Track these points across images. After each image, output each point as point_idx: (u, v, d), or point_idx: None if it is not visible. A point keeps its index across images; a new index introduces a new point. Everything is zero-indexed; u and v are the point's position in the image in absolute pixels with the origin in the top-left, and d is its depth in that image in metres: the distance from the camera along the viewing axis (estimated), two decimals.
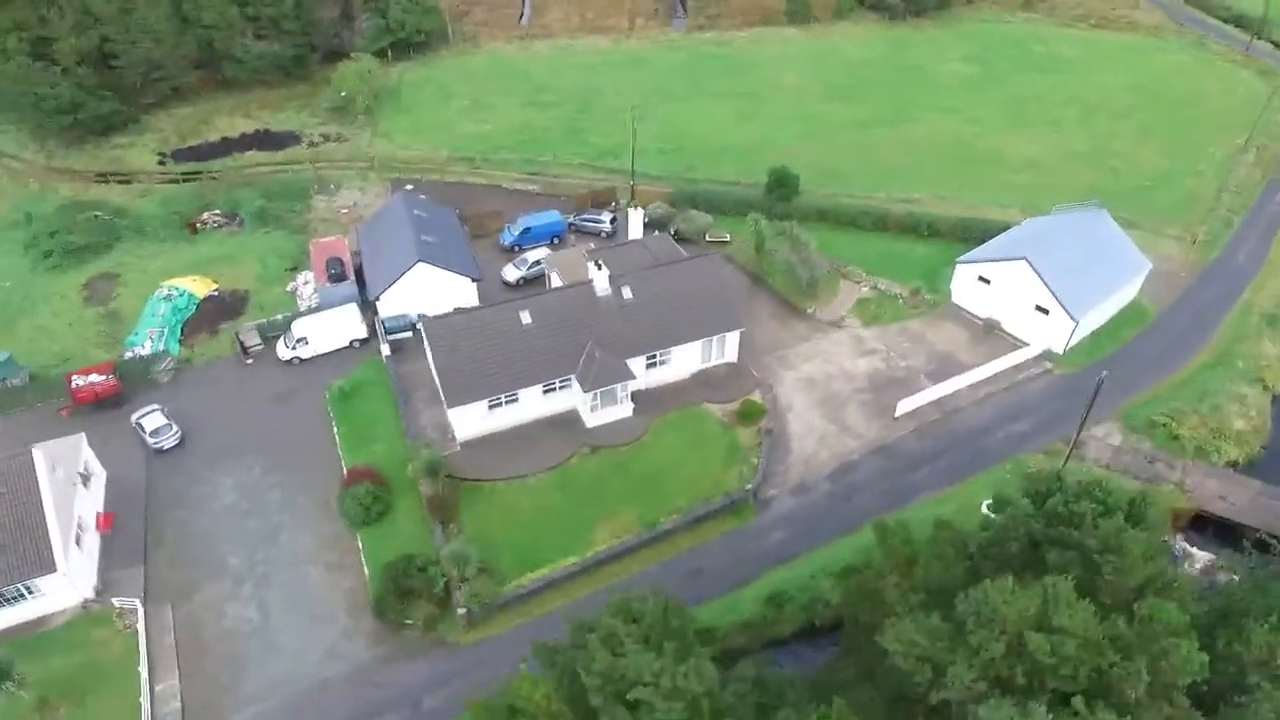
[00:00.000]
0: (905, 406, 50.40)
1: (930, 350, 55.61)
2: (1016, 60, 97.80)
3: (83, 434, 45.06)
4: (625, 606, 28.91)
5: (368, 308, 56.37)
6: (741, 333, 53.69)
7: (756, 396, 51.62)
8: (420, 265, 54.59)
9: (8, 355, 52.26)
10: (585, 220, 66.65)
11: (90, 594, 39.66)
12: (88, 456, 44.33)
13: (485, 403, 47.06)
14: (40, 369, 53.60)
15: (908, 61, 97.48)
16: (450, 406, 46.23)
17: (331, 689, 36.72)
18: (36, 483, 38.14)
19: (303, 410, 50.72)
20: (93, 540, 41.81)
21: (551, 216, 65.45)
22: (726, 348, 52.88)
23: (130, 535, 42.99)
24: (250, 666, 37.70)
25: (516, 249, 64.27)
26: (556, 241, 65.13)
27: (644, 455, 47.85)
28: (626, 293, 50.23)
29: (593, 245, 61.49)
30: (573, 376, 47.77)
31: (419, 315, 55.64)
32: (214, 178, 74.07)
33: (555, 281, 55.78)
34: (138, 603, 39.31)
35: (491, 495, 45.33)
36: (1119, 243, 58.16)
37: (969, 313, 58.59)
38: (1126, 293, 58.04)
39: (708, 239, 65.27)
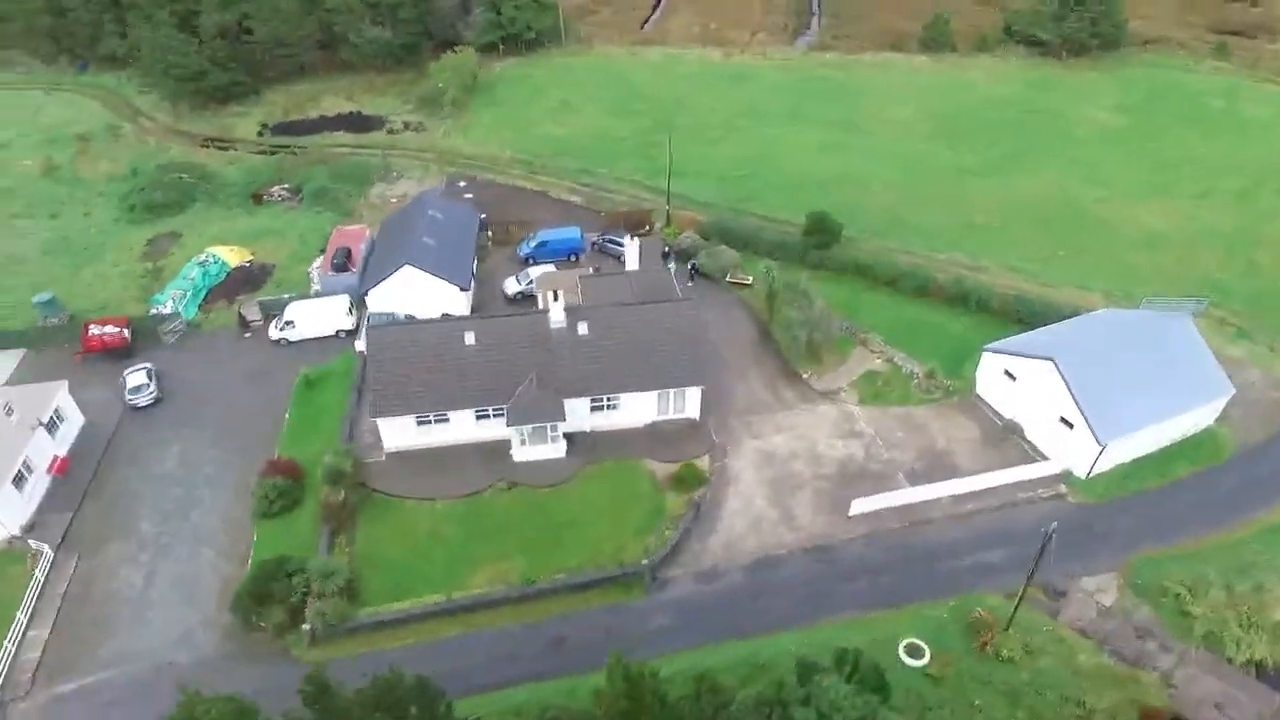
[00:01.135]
0: (861, 506, 44.20)
1: (926, 445, 48.50)
2: (1180, 114, 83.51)
3: (64, 382, 49.31)
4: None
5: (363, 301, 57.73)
6: (710, 388, 49.85)
7: (704, 461, 47.38)
8: (407, 268, 54.87)
9: (51, 296, 58.29)
10: (608, 241, 64.28)
11: (16, 531, 43.26)
12: (62, 404, 48.35)
13: (414, 418, 46.51)
14: (80, 312, 59.26)
15: (1045, 104, 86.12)
16: (373, 416, 46.07)
17: (165, 676, 37.53)
18: None
19: (271, 391, 52.53)
20: (40, 482, 45.56)
21: (571, 233, 63.68)
22: (687, 402, 48.92)
23: (77, 483, 46.49)
24: (116, 632, 39.46)
25: (530, 261, 63.16)
26: (573, 259, 63.33)
27: (561, 502, 45.27)
28: (582, 328, 47.61)
29: (593, 269, 59.18)
30: (505, 407, 46.09)
31: (405, 315, 56.39)
32: (293, 153, 78.99)
33: (540, 303, 54.18)
34: (48, 549, 42.38)
35: (395, 512, 44.66)
36: (1196, 356, 47.67)
37: (990, 409, 50.58)
38: (1195, 418, 47.56)
39: (729, 279, 60.86)
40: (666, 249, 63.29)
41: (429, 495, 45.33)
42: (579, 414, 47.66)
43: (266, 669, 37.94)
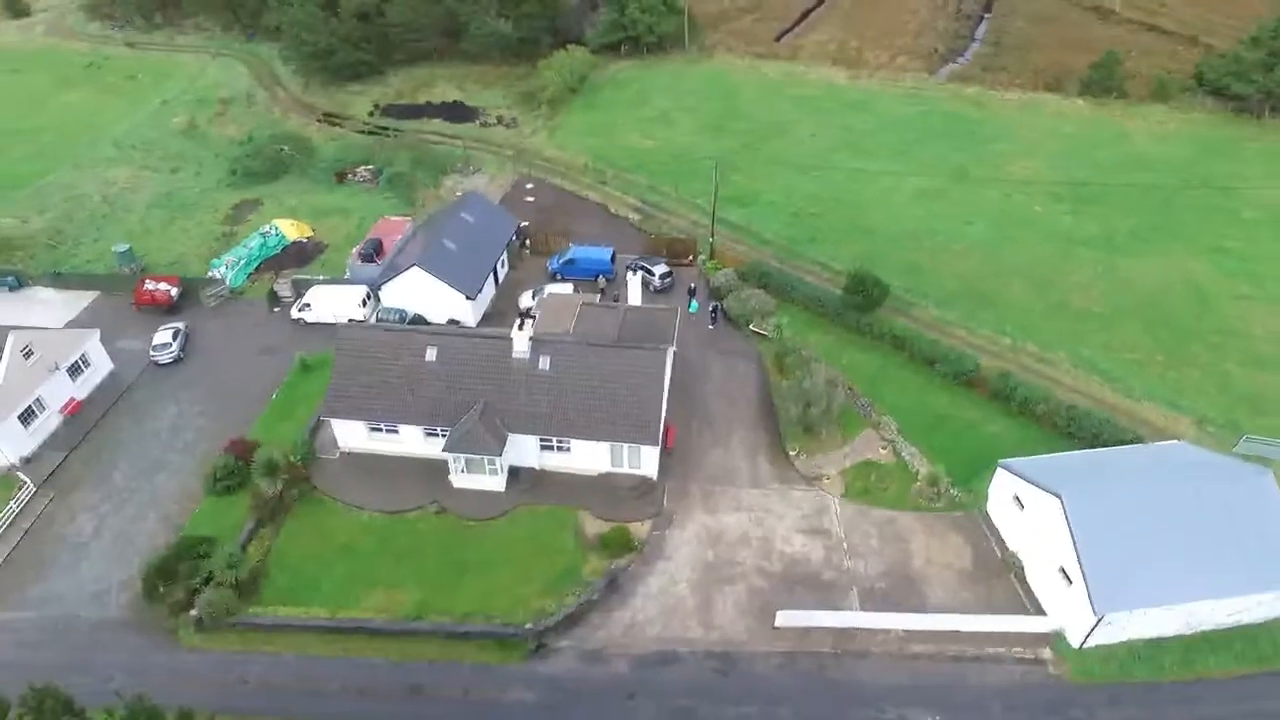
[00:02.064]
0: (790, 619, 38.80)
1: (900, 562, 41.86)
2: None
3: (96, 331, 53.83)
4: None
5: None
6: (684, 444, 46.14)
7: (644, 527, 43.69)
8: (415, 270, 54.98)
9: (128, 247, 64.03)
10: (640, 266, 61.09)
11: (16, 461, 47.78)
12: (90, 351, 52.82)
13: (365, 424, 46.45)
14: (153, 265, 64.84)
15: (1213, 172, 72.40)
16: (324, 416, 46.44)
17: (72, 628, 39.90)
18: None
19: (273, 369, 54.46)
20: (51, 420, 50.02)
21: (601, 253, 61.16)
22: (642, 459, 45.31)
23: (82, 427, 50.65)
24: (48, 575, 42.35)
25: (558, 277, 61.48)
26: (600, 279, 60.85)
27: (481, 538, 43.38)
28: (544, 363, 45.30)
29: (600, 296, 56.41)
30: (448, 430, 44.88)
31: (414, 315, 56.70)
32: (387, 135, 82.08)
33: (529, 325, 52.26)
34: (30, 483, 46.41)
35: (325, 514, 44.72)
36: (1269, 525, 37.54)
37: (994, 535, 42.87)
38: (1250, 604, 37.57)
39: (752, 327, 55.93)
40: (693, 285, 59.29)
41: (360, 504, 45.15)
42: (527, 450, 45.59)
43: (150, 645, 39.20)
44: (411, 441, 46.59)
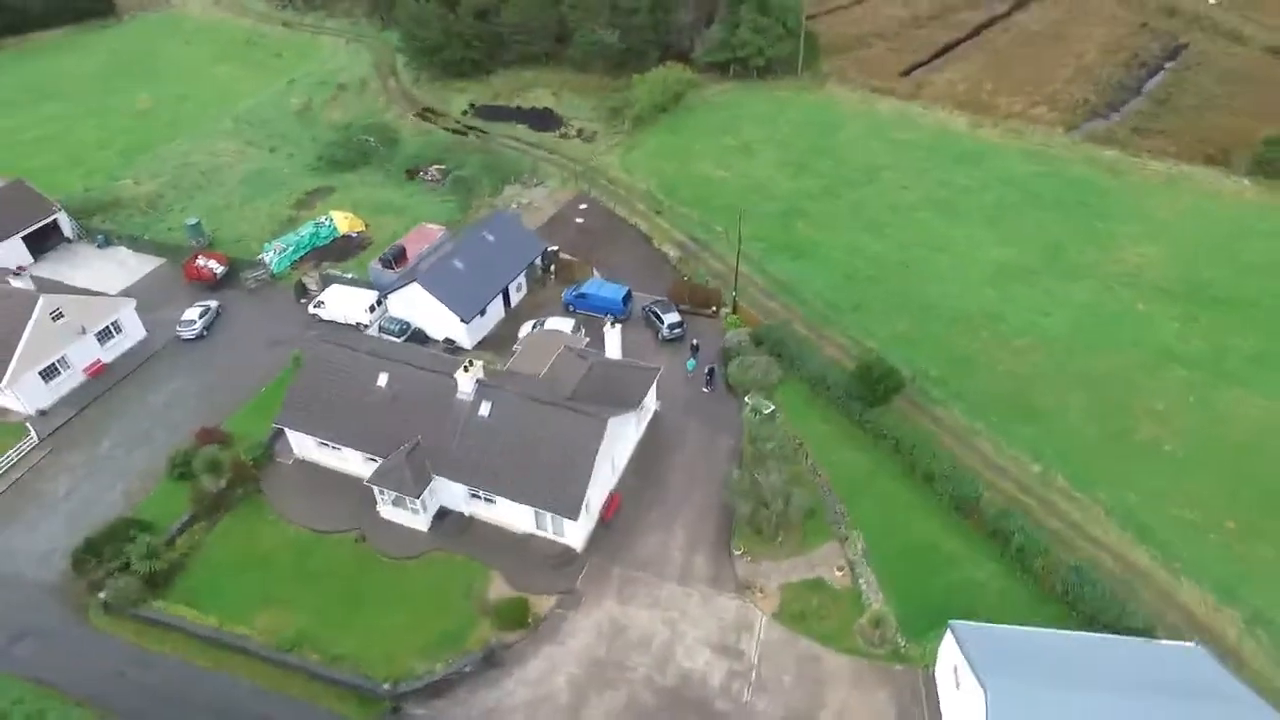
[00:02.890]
0: None
1: (805, 712, 36.37)
2: None
3: (132, 300, 57.78)
4: None
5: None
6: (626, 518, 43.06)
7: (547, 603, 40.86)
8: (415, 285, 54.71)
9: (198, 221, 68.53)
10: (651, 311, 57.62)
11: (32, 411, 52.23)
12: (124, 319, 56.81)
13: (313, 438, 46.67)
14: (219, 241, 69.03)
15: None
16: (275, 423, 47.00)
17: (11, 584, 42.68)
18: (27, 319, 50.85)
19: (274, 360, 56.21)
20: (74, 378, 54.20)
21: (615, 291, 58.17)
22: (565, 529, 42.36)
23: (99, 389, 54.63)
24: (12, 528, 45.61)
25: (569, 309, 59.25)
26: (610, 318, 57.86)
27: (389, 577, 42.25)
28: (484, 408, 43.42)
29: (586, 341, 53.49)
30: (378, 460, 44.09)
31: (416, 328, 56.63)
32: (470, 136, 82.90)
33: (509, 361, 50.55)
34: (34, 435, 50.51)
35: (258, 519, 45.34)
36: None
37: (933, 704, 36.31)
38: None
39: (747, 399, 51.07)
40: (695, 341, 55.06)
41: (291, 516, 45.41)
42: (456, 495, 44.00)
43: (65, 617, 41.22)
44: (354, 462, 46.31)
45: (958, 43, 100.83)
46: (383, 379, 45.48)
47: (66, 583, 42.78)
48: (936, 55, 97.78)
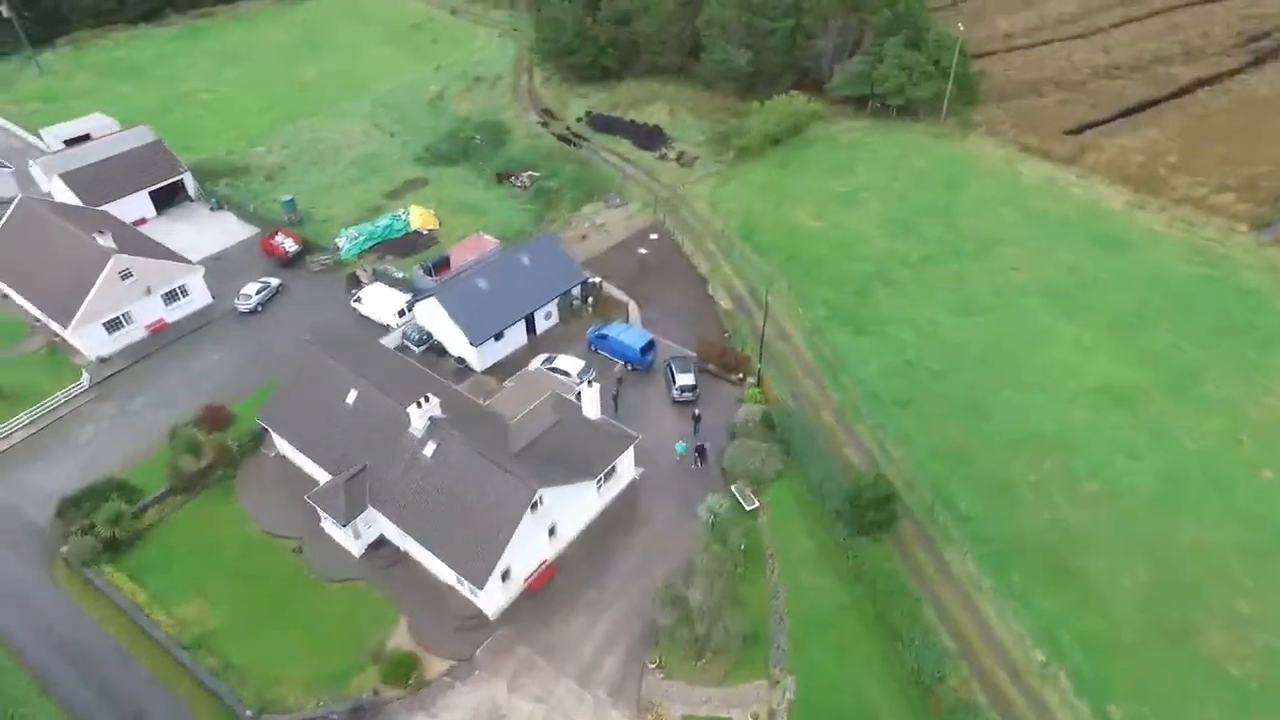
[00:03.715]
0: None
1: None
2: None
3: (201, 268, 61.79)
4: None
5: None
6: (552, 601, 40.36)
7: (437, 669, 38.72)
8: (434, 300, 54.11)
9: (292, 198, 72.27)
10: (668, 368, 53.33)
11: (94, 358, 57.30)
12: (190, 283, 60.92)
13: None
14: (309, 219, 72.27)
15: None
16: (258, 418, 48.01)
17: (7, 520, 46.59)
18: (98, 275, 55.64)
19: (290, 343, 57.42)
20: (136, 332, 58.88)
21: (637, 338, 54.46)
22: (479, 594, 39.87)
23: (154, 345, 59.00)
24: (32, 465, 49.81)
25: (591, 348, 56.33)
26: (627, 368, 54.43)
27: (310, 597, 41.99)
28: (429, 449, 41.85)
29: (579, 391, 50.07)
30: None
31: (437, 340, 56.31)
32: (571, 143, 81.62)
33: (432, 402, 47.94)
34: (87, 380, 55.31)
35: (222, 506, 46.67)
36: None
37: None
38: None
39: (733, 488, 45.87)
40: (698, 412, 50.19)
41: (250, 511, 46.43)
42: (389, 526, 42.93)
43: (34, 564, 44.30)
44: (318, 470, 46.57)
45: (1154, 102, 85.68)
46: (352, 396, 45.25)
47: (49, 529, 46.39)
48: (1122, 114, 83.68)
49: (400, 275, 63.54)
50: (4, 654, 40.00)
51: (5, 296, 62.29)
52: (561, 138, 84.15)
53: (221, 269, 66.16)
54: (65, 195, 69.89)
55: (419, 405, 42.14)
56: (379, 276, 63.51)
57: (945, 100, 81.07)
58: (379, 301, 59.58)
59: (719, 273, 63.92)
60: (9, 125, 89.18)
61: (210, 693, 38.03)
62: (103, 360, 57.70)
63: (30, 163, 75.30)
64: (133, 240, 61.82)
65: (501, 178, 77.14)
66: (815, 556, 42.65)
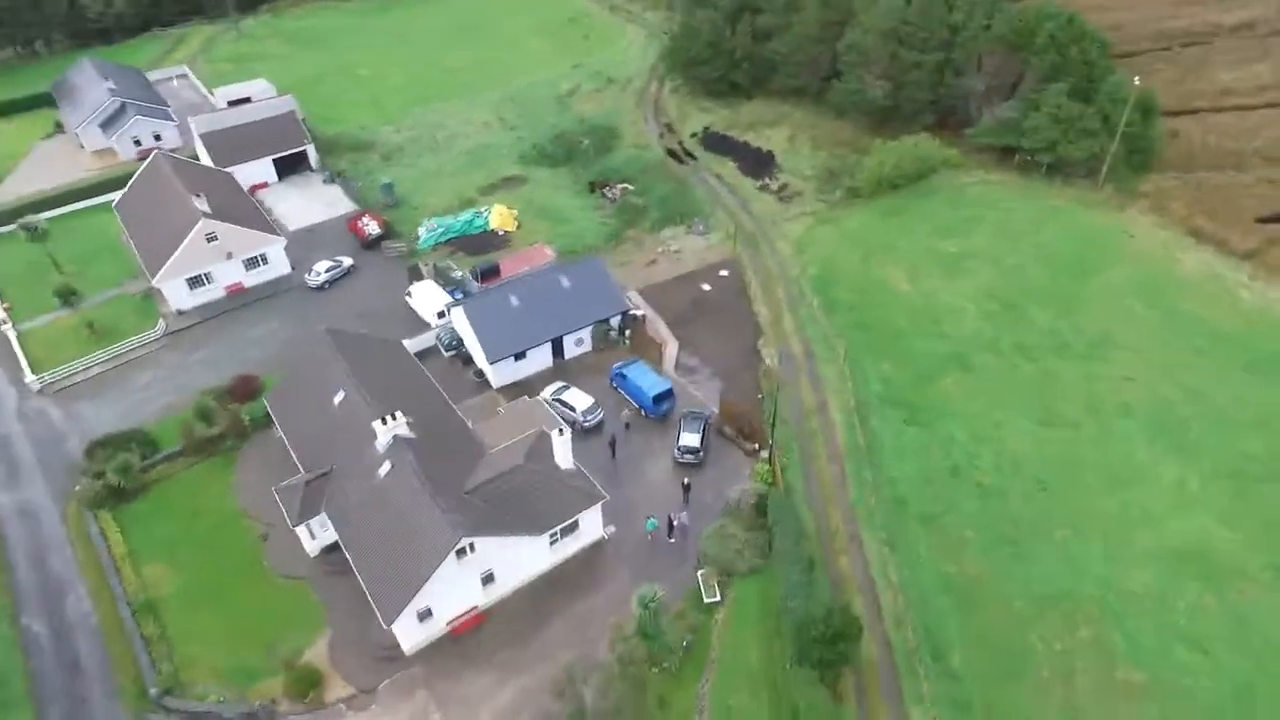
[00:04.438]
0: None
1: None
2: None
3: (283, 239, 65.03)
4: None
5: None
6: (459, 636, 38.56)
7: (338, 692, 37.99)
8: (461, 310, 53.55)
9: (390, 182, 74.59)
10: (684, 418, 49.27)
11: (175, 310, 61.99)
12: (270, 253, 64.27)
13: None
14: (405, 204, 74.34)
15: None
16: (265, 398, 49.46)
17: (54, 450, 51.13)
18: (186, 235, 59.87)
19: (341, 324, 58.40)
20: (215, 292, 63.04)
21: (654, 384, 50.95)
22: (396, 629, 38.60)
23: (229, 305, 62.89)
24: (91, 402, 54.39)
25: (611, 384, 53.41)
26: (641, 413, 51.06)
27: (257, 586, 42.74)
28: (384, 468, 41.04)
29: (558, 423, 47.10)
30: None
31: (465, 347, 55.90)
32: (678, 159, 78.37)
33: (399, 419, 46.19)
34: (163, 327, 59.87)
35: (217, 477, 48.56)
36: None
37: None
38: None
39: (700, 575, 41.55)
40: (687, 481, 45.86)
41: (240, 484, 48.02)
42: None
43: (53, 497, 48.05)
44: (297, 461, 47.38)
45: None
46: (339, 397, 45.45)
47: (79, 466, 50.50)
48: None
49: (458, 274, 63.72)
50: None
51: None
52: (671, 152, 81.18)
53: (312, 240, 69.86)
54: (202, 154, 76.56)
55: (384, 421, 41.48)
56: (440, 273, 64.03)
57: (1107, 163, 69.68)
58: (425, 299, 60.01)
59: (778, 325, 58.72)
60: (198, 83, 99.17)
61: (135, 659, 39.74)
62: (181, 313, 62.39)
63: (190, 120, 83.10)
64: (233, 204, 66.16)
65: (594, 186, 75.53)
66: (758, 677, 37.68)
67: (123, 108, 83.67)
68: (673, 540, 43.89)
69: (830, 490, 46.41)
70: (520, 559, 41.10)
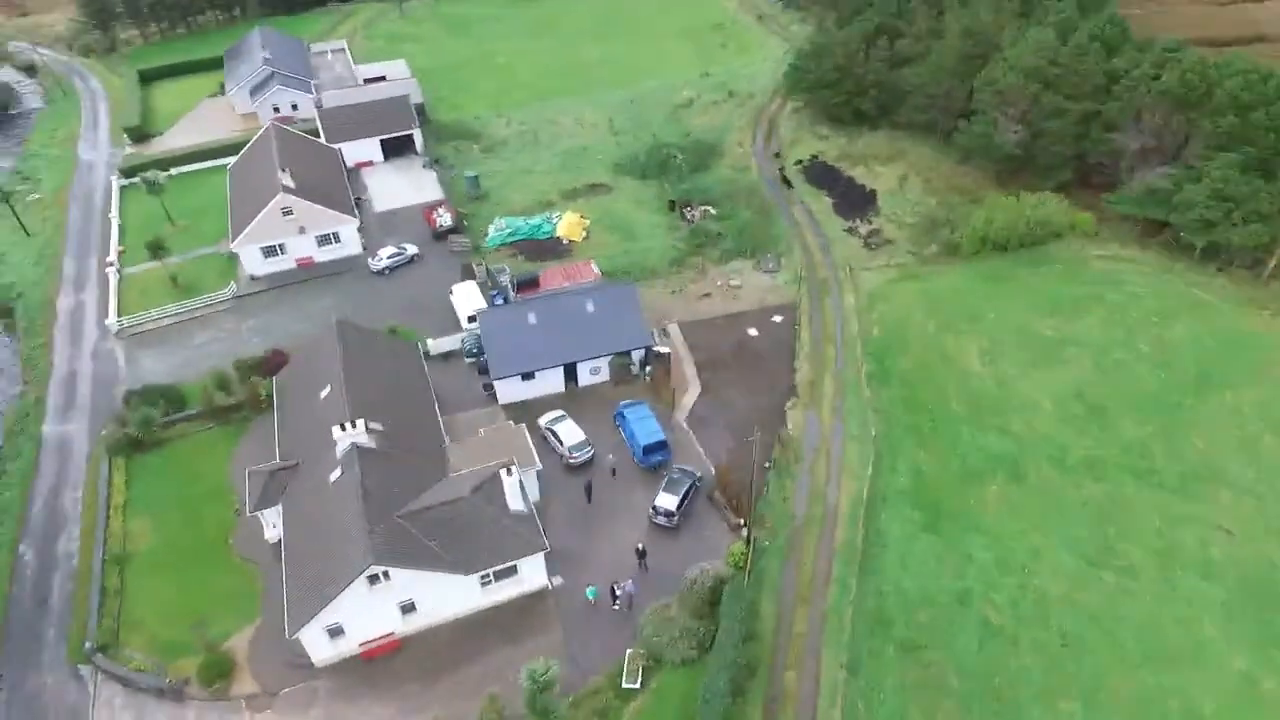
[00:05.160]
0: None
1: None
2: None
3: (357, 220, 66.90)
4: None
5: None
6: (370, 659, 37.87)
7: (246, 687, 38.16)
8: (476, 323, 52.55)
9: (476, 175, 75.04)
10: (666, 481, 45.46)
11: (249, 276, 65.46)
12: (344, 233, 66.42)
13: None
14: (490, 199, 74.46)
15: None
16: (274, 377, 50.73)
17: (105, 388, 55.58)
18: (264, 207, 62.98)
19: (393, 318, 59.96)
20: (286, 262, 65.92)
21: (647, 434, 47.60)
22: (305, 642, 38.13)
23: (293, 278, 65.52)
24: (157, 349, 58.78)
25: (615, 421, 50.35)
26: (612, 456, 47.86)
27: (218, 561, 44.04)
28: (336, 473, 40.70)
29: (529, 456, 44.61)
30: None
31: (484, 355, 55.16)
32: (788, 183, 73.95)
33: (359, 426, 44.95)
34: (233, 290, 63.38)
35: (221, 447, 50.46)
36: None
37: None
38: None
39: (627, 654, 37.97)
40: (642, 546, 42.06)
41: (239, 456, 49.56)
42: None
43: (94, 436, 52.15)
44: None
45: None
46: (324, 392, 45.73)
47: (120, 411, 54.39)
48: None
49: (506, 279, 62.89)
50: (21, 490, 48.38)
51: None
52: (785, 178, 75.70)
53: (391, 224, 71.76)
54: (320, 128, 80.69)
55: (343, 428, 41.09)
56: (491, 275, 63.52)
57: (1277, 257, 57.33)
58: (464, 300, 59.58)
59: (816, 387, 53.12)
60: (349, 58, 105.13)
61: (90, 608, 41.99)
62: (254, 279, 65.98)
63: (321, 94, 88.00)
64: (322, 181, 69.05)
65: (675, 205, 72.14)
66: None
67: (270, 76, 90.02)
68: (616, 608, 40.58)
69: (807, 590, 41.10)
70: (446, 594, 39.43)
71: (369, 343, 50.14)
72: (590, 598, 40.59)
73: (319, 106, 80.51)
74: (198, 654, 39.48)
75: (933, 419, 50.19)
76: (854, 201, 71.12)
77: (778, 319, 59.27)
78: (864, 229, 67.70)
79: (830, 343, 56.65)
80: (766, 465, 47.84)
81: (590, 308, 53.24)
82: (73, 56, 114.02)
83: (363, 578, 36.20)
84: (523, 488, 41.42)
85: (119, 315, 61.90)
